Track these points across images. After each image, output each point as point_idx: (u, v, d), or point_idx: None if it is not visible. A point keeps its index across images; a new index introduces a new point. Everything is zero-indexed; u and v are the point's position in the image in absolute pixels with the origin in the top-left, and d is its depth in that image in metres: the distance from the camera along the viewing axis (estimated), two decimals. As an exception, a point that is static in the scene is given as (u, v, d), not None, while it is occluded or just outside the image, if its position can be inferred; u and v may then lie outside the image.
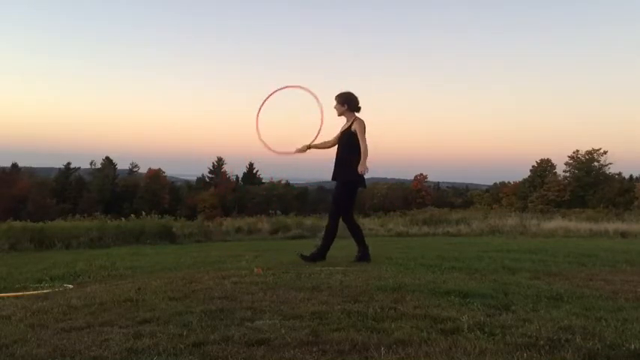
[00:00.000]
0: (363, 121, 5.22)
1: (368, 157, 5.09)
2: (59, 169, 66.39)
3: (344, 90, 5.34)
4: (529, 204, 50.12)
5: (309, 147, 5.51)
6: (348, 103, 5.27)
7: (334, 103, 5.33)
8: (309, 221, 15.66)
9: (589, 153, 54.29)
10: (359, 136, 5.13)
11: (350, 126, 5.23)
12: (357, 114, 5.30)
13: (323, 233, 5.50)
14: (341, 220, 5.32)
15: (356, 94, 5.32)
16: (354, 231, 5.36)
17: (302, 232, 15.51)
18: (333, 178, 5.37)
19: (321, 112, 5.39)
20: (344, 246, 6.03)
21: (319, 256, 5.30)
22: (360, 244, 5.36)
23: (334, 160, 5.35)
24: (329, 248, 5.40)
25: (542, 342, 2.23)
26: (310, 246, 6.09)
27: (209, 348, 2.21)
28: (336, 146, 5.37)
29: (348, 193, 5.32)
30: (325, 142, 5.52)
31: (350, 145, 5.18)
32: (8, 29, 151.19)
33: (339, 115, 5.33)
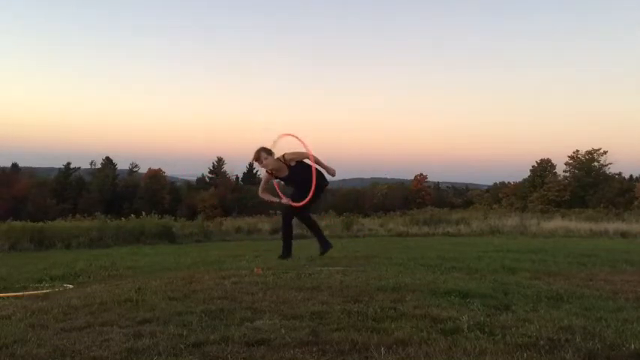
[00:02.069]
0: (283, 153, 5.51)
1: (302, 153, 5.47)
2: (59, 169, 66.29)
3: (253, 148, 5.55)
4: (529, 204, 50.07)
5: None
6: (269, 152, 5.50)
7: (258, 165, 5.55)
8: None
9: (589, 153, 54.25)
10: (297, 156, 5.46)
11: (286, 163, 5.47)
12: (273, 154, 5.52)
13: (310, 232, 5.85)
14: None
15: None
16: (286, 232, 5.83)
17: (302, 232, 15.47)
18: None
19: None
20: (345, 246, 6.03)
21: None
22: (284, 242, 5.81)
23: (298, 189, 5.57)
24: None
25: (542, 342, 2.23)
26: (311, 246, 6.09)
27: (209, 348, 2.21)
28: (293, 182, 5.60)
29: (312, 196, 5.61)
30: (263, 191, 5.71)
31: (301, 172, 5.47)
32: (8, 29, 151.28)
33: (273, 165, 5.50)
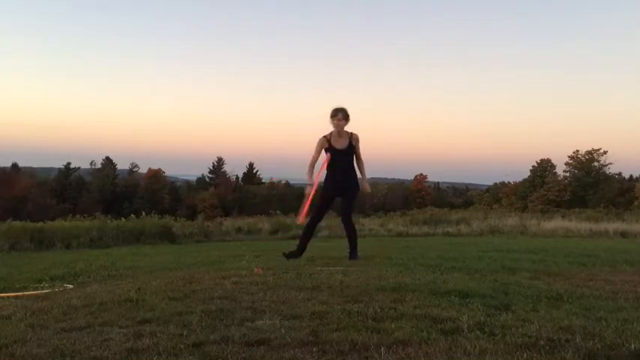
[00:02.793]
0: (352, 132, 5.47)
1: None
2: (59, 169, 66.44)
3: (339, 105, 5.44)
4: (529, 204, 50.15)
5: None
6: (347, 117, 5.40)
7: (335, 116, 5.36)
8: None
9: (589, 153, 54.29)
10: (358, 151, 5.49)
11: (350, 141, 5.43)
12: (349, 122, 5.45)
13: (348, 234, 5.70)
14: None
15: None
16: (307, 236, 5.75)
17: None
18: (343, 194, 5.52)
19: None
20: (345, 246, 6.02)
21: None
22: (301, 244, 5.72)
23: (337, 177, 5.45)
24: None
25: (542, 342, 2.23)
26: (310, 246, 6.07)
27: (209, 348, 2.21)
28: (340, 162, 5.45)
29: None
30: (313, 165, 5.55)
31: (350, 160, 5.49)
32: (8, 29, 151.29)
33: (342, 129, 5.40)
